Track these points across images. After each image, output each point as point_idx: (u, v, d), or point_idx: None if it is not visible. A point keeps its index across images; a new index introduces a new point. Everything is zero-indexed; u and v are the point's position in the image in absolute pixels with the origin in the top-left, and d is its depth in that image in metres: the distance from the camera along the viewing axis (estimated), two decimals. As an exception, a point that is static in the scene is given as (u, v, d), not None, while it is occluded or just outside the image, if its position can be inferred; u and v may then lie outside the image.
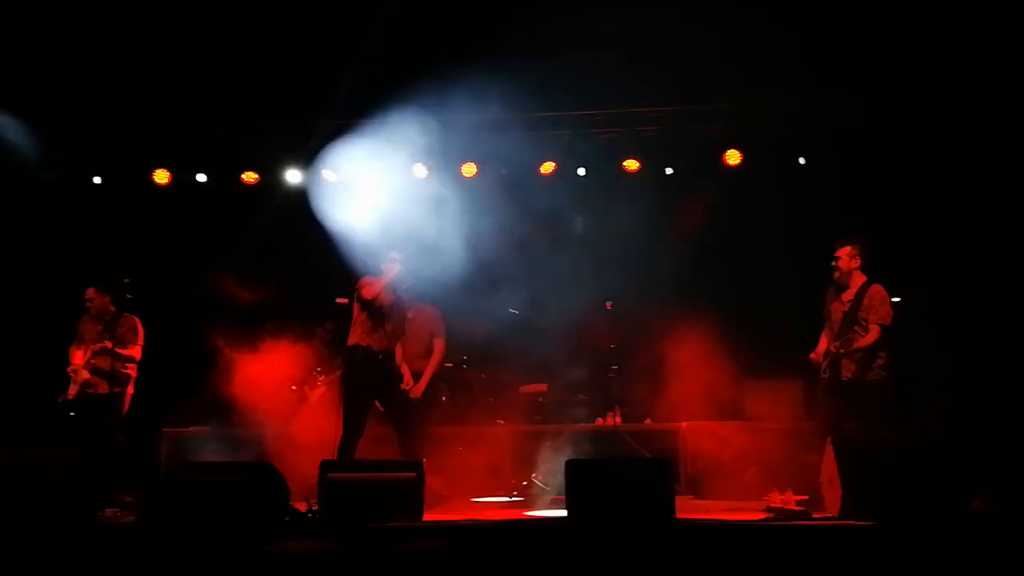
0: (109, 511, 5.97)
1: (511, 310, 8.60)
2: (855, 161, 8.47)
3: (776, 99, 8.61)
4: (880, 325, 6.03)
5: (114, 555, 4.78)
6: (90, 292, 7.57)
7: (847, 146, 8.49)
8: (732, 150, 8.86)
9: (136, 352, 7.51)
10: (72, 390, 7.40)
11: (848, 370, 6.11)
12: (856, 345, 6.04)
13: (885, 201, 8.20)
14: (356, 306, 6.88)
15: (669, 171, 9.02)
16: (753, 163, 8.98)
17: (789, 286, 8.17)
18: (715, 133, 9.11)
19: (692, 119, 9.04)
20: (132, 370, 7.53)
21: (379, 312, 6.76)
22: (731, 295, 8.76)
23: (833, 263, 6.35)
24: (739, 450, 7.86)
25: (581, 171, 8.92)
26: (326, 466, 5.53)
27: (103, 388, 7.30)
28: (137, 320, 7.59)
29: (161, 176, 9.05)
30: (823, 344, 6.45)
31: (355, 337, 6.79)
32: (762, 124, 8.93)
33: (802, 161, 8.74)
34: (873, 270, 6.40)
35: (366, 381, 6.72)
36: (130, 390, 7.55)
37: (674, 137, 9.20)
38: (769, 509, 5.44)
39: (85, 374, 7.38)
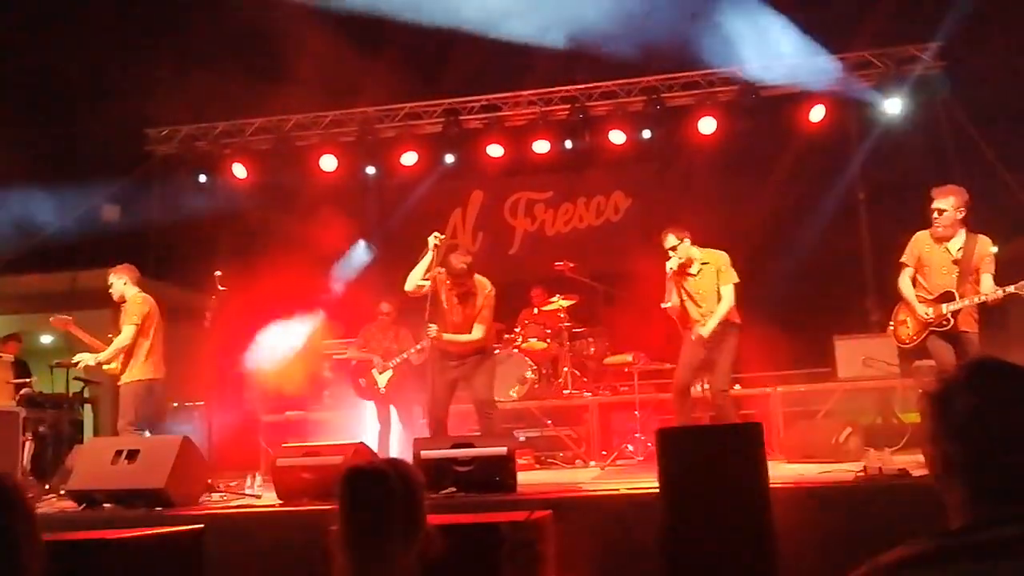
0: (215, 494, 6.21)
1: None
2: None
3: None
4: (993, 276, 5.74)
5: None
6: None
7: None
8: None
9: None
10: None
11: (965, 323, 5.83)
12: (980, 296, 5.71)
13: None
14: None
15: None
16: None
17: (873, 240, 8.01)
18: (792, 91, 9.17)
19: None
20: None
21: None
22: (815, 252, 8.64)
23: (936, 212, 5.80)
24: (832, 411, 7.73)
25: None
26: (417, 444, 5.63)
27: None
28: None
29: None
30: (909, 291, 5.97)
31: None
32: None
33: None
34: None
35: None
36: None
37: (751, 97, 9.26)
38: (866, 470, 5.31)
39: None
